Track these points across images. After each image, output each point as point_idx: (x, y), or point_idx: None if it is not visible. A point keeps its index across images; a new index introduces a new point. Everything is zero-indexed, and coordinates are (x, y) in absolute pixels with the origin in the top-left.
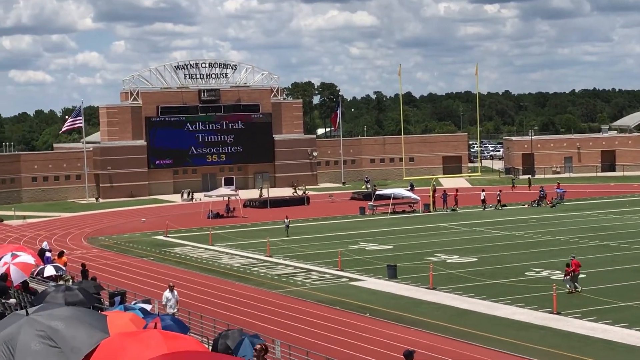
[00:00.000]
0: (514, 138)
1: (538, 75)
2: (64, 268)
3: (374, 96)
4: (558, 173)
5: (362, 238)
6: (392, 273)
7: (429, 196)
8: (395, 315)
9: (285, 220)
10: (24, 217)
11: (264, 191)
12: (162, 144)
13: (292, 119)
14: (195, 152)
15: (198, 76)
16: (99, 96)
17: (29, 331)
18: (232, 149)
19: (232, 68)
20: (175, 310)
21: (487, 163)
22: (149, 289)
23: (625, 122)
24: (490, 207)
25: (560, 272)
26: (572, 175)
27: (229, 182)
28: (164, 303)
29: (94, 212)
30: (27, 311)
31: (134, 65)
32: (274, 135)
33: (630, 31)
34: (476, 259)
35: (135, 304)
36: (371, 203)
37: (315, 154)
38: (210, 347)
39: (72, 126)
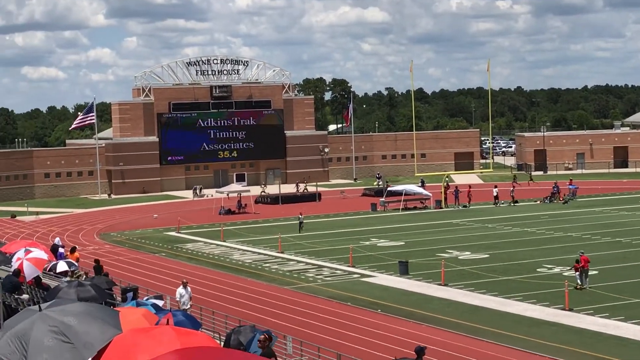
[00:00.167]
0: (526, 134)
1: (550, 71)
2: (76, 264)
3: (385, 92)
4: (570, 169)
5: (373, 234)
6: (403, 269)
7: (441, 192)
8: (407, 312)
9: (300, 217)
10: (37, 213)
11: (266, 188)
12: (174, 141)
13: (304, 115)
14: (207, 149)
15: (210, 72)
16: (111, 92)
17: (41, 327)
18: (244, 145)
19: (244, 64)
20: (188, 306)
21: (499, 159)
22: (161, 285)
23: (637, 118)
24: (503, 204)
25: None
26: (585, 171)
27: (240, 179)
28: (177, 299)
29: (106, 208)
30: (39, 307)
31: (146, 62)
32: (285, 132)
33: None
34: (488, 256)
35: (147, 299)
36: (383, 199)
37: (326, 150)
38: (223, 343)
39: (82, 123)
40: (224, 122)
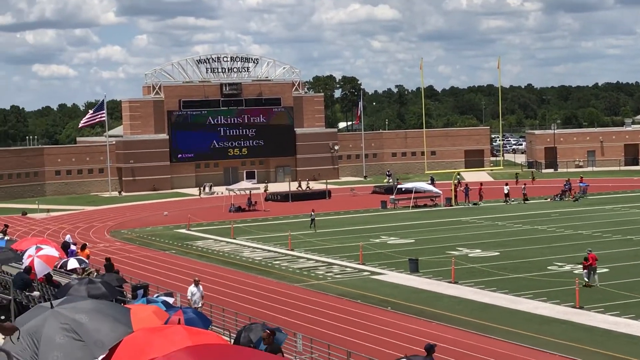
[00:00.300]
0: (536, 132)
1: (561, 69)
2: (86, 261)
3: (395, 90)
4: (581, 167)
5: (383, 232)
6: (413, 267)
7: (451, 190)
8: (417, 309)
9: (312, 214)
10: (48, 211)
11: (268, 187)
12: (184, 138)
13: (314, 113)
14: (217, 146)
15: (220, 70)
16: (122, 90)
17: (53, 324)
18: (254, 143)
19: (254, 62)
20: (200, 305)
21: (509, 157)
22: (171, 282)
23: None
24: (514, 201)
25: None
26: (595, 169)
27: (250, 176)
28: (188, 297)
29: (116, 206)
30: (51, 304)
31: (156, 59)
32: (295, 129)
33: None
34: (498, 253)
35: (157, 297)
36: (393, 197)
37: (336, 147)
38: (233, 340)
39: (91, 121)
40: (234, 120)
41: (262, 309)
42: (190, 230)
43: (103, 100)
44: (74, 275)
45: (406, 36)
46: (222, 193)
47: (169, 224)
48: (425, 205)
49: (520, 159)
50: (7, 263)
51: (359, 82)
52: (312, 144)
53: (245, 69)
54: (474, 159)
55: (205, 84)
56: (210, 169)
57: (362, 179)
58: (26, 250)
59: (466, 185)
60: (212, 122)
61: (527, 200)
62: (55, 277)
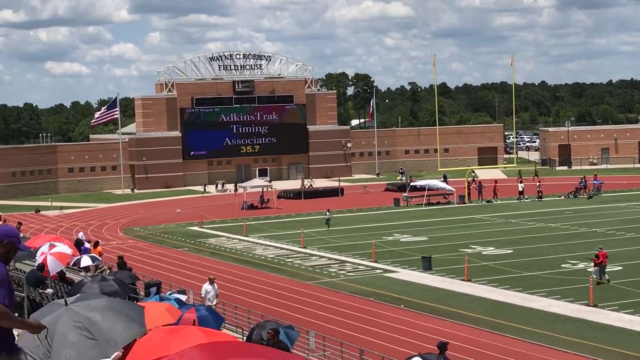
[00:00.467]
0: (550, 129)
1: (574, 66)
2: (99, 258)
3: (408, 87)
4: (595, 164)
5: (396, 229)
6: (426, 264)
7: (464, 187)
8: (430, 307)
9: (327, 213)
10: (61, 208)
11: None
12: (197, 136)
13: (326, 110)
14: (229, 144)
15: (232, 67)
16: (134, 87)
17: (67, 322)
18: (266, 140)
19: (266, 59)
20: (214, 303)
21: (523, 154)
22: (184, 280)
23: None
24: (527, 199)
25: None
26: (609, 166)
27: (263, 174)
28: (202, 295)
29: (129, 203)
30: (65, 301)
31: (169, 57)
32: (308, 127)
33: None
34: (512, 251)
35: (170, 294)
36: (405, 194)
37: (349, 145)
38: (245, 338)
39: (104, 119)
40: (246, 117)
41: (275, 307)
42: (202, 227)
43: (116, 98)
44: (87, 273)
45: (419, 33)
46: (232, 190)
47: (181, 221)
48: (438, 203)
49: (534, 156)
50: (21, 260)
51: (371, 80)
52: (325, 142)
53: (258, 66)
54: (487, 157)
55: (217, 82)
56: (223, 166)
57: (374, 176)
58: (39, 248)
59: (479, 182)
60: (225, 120)
61: (542, 197)
62: (69, 275)
